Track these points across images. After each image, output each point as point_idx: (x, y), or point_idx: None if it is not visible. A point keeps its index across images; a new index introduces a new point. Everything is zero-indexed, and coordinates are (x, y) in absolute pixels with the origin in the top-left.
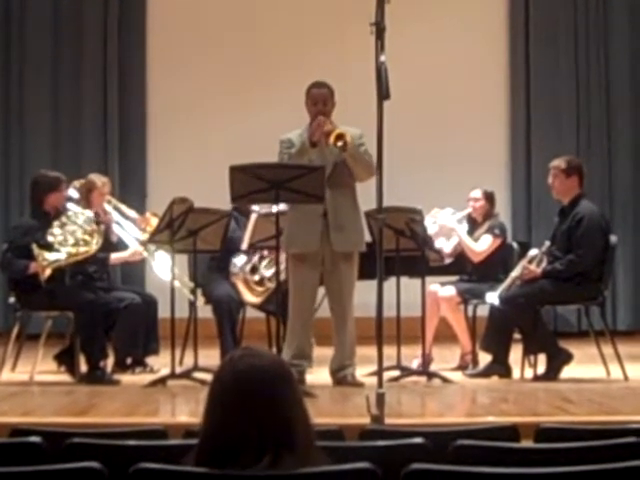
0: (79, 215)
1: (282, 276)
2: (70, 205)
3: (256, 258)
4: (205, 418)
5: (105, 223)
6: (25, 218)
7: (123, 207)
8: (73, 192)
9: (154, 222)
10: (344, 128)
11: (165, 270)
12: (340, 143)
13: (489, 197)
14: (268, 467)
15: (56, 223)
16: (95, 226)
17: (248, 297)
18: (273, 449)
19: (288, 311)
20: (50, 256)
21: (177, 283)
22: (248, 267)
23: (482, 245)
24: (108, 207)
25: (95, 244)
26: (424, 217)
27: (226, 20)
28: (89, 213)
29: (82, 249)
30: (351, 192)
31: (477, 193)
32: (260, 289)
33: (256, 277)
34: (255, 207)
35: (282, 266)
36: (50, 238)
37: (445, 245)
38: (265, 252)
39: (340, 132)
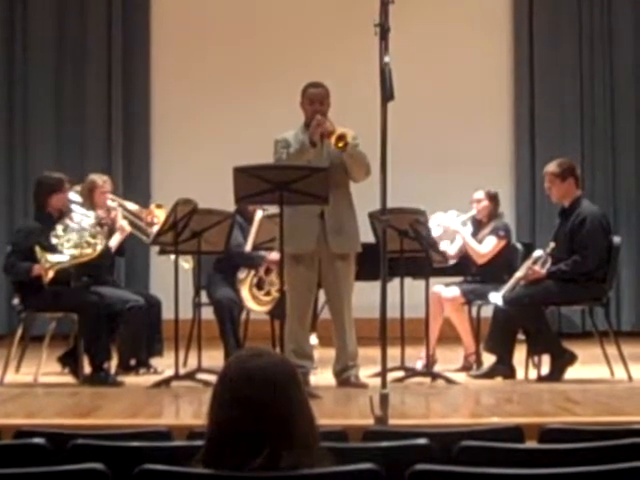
0: (83, 217)
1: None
2: (74, 207)
3: (262, 271)
4: (210, 418)
5: (110, 222)
6: (28, 221)
7: (127, 203)
8: (76, 197)
9: (159, 213)
10: (343, 128)
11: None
12: (341, 144)
13: (492, 197)
14: (265, 462)
15: (59, 225)
16: (99, 228)
17: (255, 306)
18: (271, 445)
19: None
20: (53, 258)
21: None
22: (255, 280)
23: (486, 247)
24: (112, 204)
25: (99, 246)
26: (428, 218)
27: (230, 23)
28: (93, 215)
29: (85, 251)
30: (347, 193)
31: (480, 194)
32: (267, 299)
33: (262, 291)
34: (260, 211)
35: None
36: (54, 240)
37: (449, 247)
38: (273, 265)
39: (341, 132)
